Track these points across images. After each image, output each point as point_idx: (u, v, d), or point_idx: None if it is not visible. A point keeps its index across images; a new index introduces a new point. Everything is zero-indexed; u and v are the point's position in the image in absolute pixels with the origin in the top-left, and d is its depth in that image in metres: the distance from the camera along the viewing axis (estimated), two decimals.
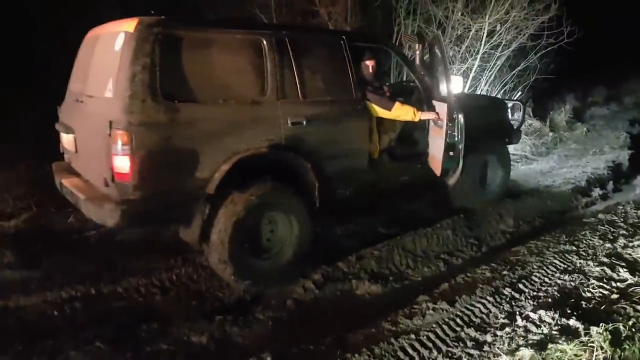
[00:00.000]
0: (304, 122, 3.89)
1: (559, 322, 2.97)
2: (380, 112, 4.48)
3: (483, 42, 8.67)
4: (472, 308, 3.27)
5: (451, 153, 4.70)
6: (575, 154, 8.53)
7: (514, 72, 9.52)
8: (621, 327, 2.87)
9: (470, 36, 8.54)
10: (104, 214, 3.37)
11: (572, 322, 2.95)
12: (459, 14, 8.67)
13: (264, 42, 3.76)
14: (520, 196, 5.75)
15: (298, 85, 3.89)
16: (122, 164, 3.22)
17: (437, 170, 4.82)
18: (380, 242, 4.45)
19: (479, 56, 8.55)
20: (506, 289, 3.51)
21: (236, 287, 3.74)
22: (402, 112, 4.55)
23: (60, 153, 4.50)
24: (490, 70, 8.90)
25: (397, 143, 4.92)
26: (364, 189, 4.45)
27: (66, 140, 4.15)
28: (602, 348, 2.70)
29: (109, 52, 3.51)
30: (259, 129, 3.68)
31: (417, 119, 4.64)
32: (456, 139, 4.67)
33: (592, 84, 15.31)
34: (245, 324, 3.32)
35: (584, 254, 4.10)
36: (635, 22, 17.59)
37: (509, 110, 5.93)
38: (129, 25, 3.36)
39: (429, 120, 4.77)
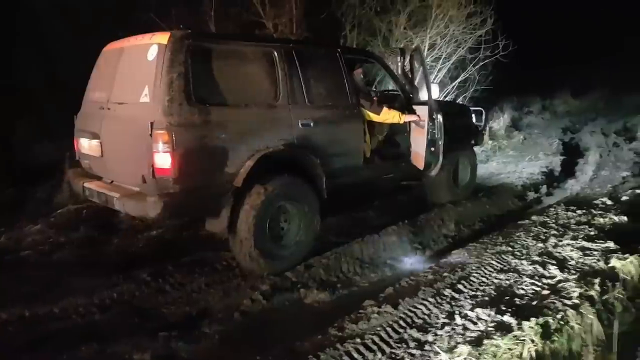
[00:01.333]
0: (312, 124, 4.38)
1: (494, 319, 3.10)
2: (370, 116, 5.05)
3: (425, 55, 8.98)
4: (415, 310, 3.36)
5: (432, 149, 5.34)
6: (512, 160, 8.95)
7: (455, 83, 9.91)
8: (551, 321, 3.03)
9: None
10: (146, 207, 3.67)
11: (507, 318, 3.09)
12: (402, 27, 8.97)
13: (275, 53, 4.26)
14: (461, 202, 5.97)
15: (304, 91, 4.41)
16: (164, 160, 3.59)
17: (420, 165, 5.41)
18: (328, 251, 4.53)
19: (426, 67, 8.85)
20: (447, 290, 3.62)
21: (254, 268, 4.08)
22: (389, 116, 5.13)
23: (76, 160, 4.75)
24: (433, 81, 9.22)
25: (385, 144, 5.54)
26: (360, 183, 5.05)
27: (88, 146, 4.44)
28: (533, 341, 2.83)
29: (140, 62, 3.89)
30: (276, 130, 4.19)
31: (402, 121, 5.27)
32: (436, 136, 5.30)
33: (527, 94, 16.11)
34: (191, 338, 3.26)
35: (518, 253, 4.29)
36: (564, 35, 18.72)
37: (473, 115, 6.66)
38: (162, 37, 3.79)
39: (411, 122, 5.36)
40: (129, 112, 3.97)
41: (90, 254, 4.58)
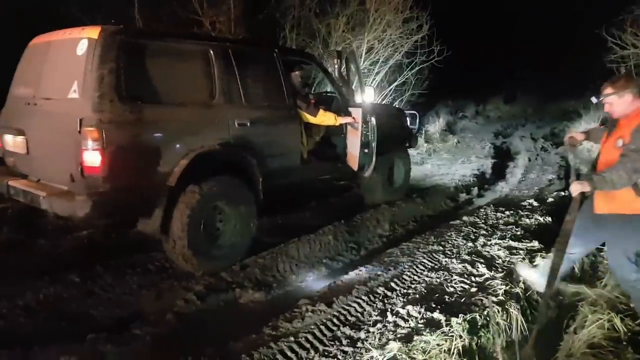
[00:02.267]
0: (248, 124, 4.37)
1: (424, 316, 3.23)
2: (307, 117, 5.11)
3: (363, 58, 9.15)
4: (348, 308, 3.43)
5: (366, 150, 5.44)
6: (446, 163, 9.30)
7: (392, 86, 10.15)
8: (477, 317, 3.20)
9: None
10: (74, 207, 3.56)
11: (436, 314, 3.22)
12: (340, 30, 9.09)
13: (211, 51, 4.20)
14: (396, 202, 6.14)
15: (241, 91, 4.37)
16: (93, 158, 3.48)
17: (355, 166, 5.50)
18: (265, 251, 4.52)
19: (360, 70, 8.99)
20: (380, 288, 3.73)
21: (188, 268, 4.04)
22: (325, 118, 5.22)
23: None
24: (371, 85, 9.41)
25: (321, 145, 5.62)
26: (296, 183, 5.13)
27: (12, 142, 4.27)
28: (460, 337, 2.98)
29: (69, 57, 3.77)
30: (211, 129, 4.14)
31: (337, 123, 5.34)
32: (370, 138, 5.40)
33: (462, 99, 16.78)
34: (121, 341, 3.16)
35: (449, 253, 4.47)
36: (498, 44, 19.63)
37: (408, 118, 6.85)
38: (92, 32, 3.66)
39: (346, 123, 5.43)
40: (57, 108, 3.84)
41: (15, 255, 4.34)
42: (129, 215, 4.10)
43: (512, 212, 5.66)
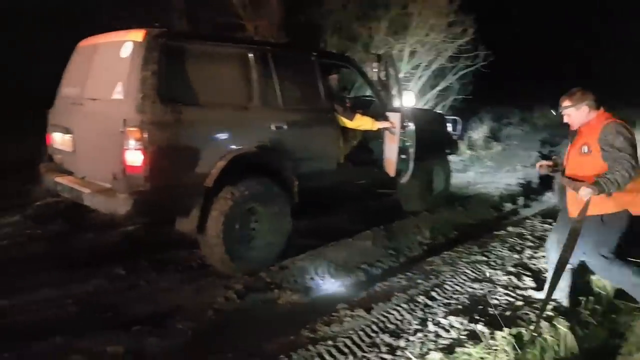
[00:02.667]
0: (285, 127, 4.37)
1: (467, 327, 3.14)
2: (344, 121, 5.01)
3: (405, 62, 9.07)
4: (388, 315, 3.39)
5: (403, 156, 5.36)
6: (490, 170, 9.08)
7: (435, 91, 10.01)
8: (524, 332, 3.08)
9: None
10: (115, 204, 3.65)
11: (480, 327, 3.13)
12: (382, 34, 9.04)
13: (251, 55, 4.25)
14: (437, 210, 6.04)
15: (279, 94, 4.41)
16: (135, 158, 3.57)
17: (392, 172, 5.42)
18: (303, 253, 4.52)
19: (400, 75, 8.94)
20: (420, 296, 3.67)
21: (226, 271, 4.07)
22: (362, 122, 5.12)
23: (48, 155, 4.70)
24: (412, 89, 9.32)
25: (358, 149, 5.55)
26: (332, 187, 5.07)
27: (61, 141, 4.44)
28: (505, 351, 2.88)
29: (114, 59, 3.88)
30: (249, 131, 4.19)
31: (374, 128, 5.24)
32: (408, 144, 5.32)
33: (507, 105, 16.37)
34: (164, 334, 3.23)
35: (493, 264, 4.36)
36: (546, 48, 19.12)
37: (449, 124, 6.71)
38: (137, 35, 3.76)
39: (384, 129, 5.29)
40: (102, 109, 3.95)
41: (65, 247, 4.53)
42: (167, 214, 4.18)
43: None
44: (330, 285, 4.13)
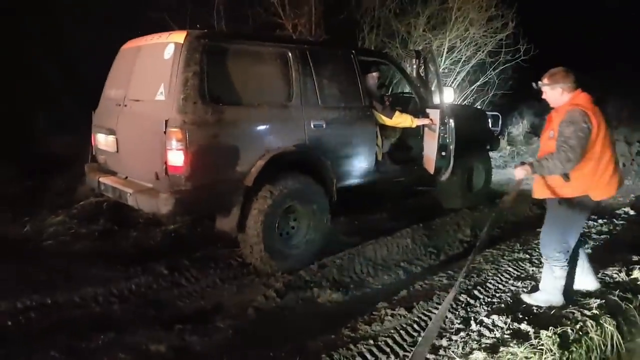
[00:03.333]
0: (324, 125, 4.38)
1: (510, 327, 3.08)
2: (383, 119, 5.02)
3: (444, 58, 8.93)
4: (429, 314, 3.35)
5: (443, 153, 5.31)
6: None
7: (474, 86, 9.82)
8: (569, 331, 3.00)
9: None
10: (158, 203, 3.69)
11: (524, 326, 3.06)
12: (421, 30, 8.92)
13: (290, 53, 4.27)
14: (478, 207, 5.92)
15: (318, 92, 4.42)
16: (177, 158, 3.63)
17: (431, 169, 5.39)
18: (342, 251, 4.52)
19: (439, 71, 8.80)
20: (462, 295, 3.61)
21: (266, 270, 4.11)
22: (401, 120, 5.11)
23: (92, 155, 4.85)
24: (451, 85, 9.16)
25: (397, 147, 5.54)
26: (371, 185, 5.03)
27: (104, 141, 4.52)
28: (550, 350, 2.81)
29: (156, 60, 3.95)
30: (288, 130, 4.21)
31: (414, 125, 5.21)
32: (447, 140, 5.26)
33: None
34: (205, 332, 3.28)
35: (536, 261, 4.24)
36: (588, 40, 18.46)
37: (489, 120, 6.61)
38: (179, 36, 3.83)
39: (423, 126, 5.29)
40: (145, 110, 4.03)
41: (109, 245, 4.65)
42: (208, 213, 4.27)
43: (605, 221, 5.29)
44: (369, 283, 4.11)
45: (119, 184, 4.23)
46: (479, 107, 9.70)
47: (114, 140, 4.36)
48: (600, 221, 5.24)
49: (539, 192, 3.36)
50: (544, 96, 3.35)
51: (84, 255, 4.43)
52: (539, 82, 3.31)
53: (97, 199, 5.46)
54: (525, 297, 3.51)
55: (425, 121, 5.26)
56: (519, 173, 3.24)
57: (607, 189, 3.25)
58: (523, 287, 3.74)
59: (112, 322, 3.36)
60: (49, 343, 3.04)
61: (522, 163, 3.30)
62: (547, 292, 3.44)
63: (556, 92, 3.23)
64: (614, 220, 5.28)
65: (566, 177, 3.11)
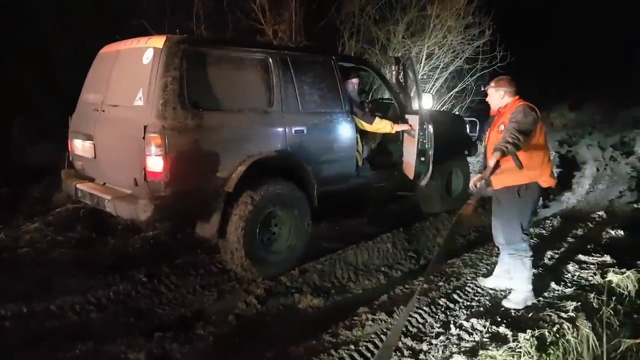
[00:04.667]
0: (305, 131, 4.39)
1: (489, 330, 3.13)
2: (363, 125, 5.09)
3: (422, 64, 9.02)
4: (410, 318, 3.36)
5: (422, 159, 5.34)
6: None
7: (452, 93, 9.94)
8: (546, 333, 3.05)
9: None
10: (137, 210, 3.65)
11: (502, 329, 3.12)
12: (400, 36, 9.01)
13: (270, 59, 4.27)
14: (456, 211, 5.98)
15: (298, 98, 4.43)
16: (156, 164, 3.59)
17: (411, 175, 5.42)
18: (323, 257, 4.53)
19: (418, 77, 8.89)
20: (442, 299, 3.65)
21: (247, 276, 4.08)
22: (381, 126, 5.19)
23: (69, 162, 4.78)
24: (430, 91, 9.26)
25: (376, 152, 5.58)
26: (352, 191, 5.05)
27: (82, 147, 4.45)
28: (529, 353, 2.85)
29: (135, 65, 3.91)
30: (269, 136, 4.21)
31: (393, 131, 5.28)
32: (426, 146, 5.29)
33: None
34: (186, 340, 3.25)
35: None
36: (564, 47, 18.88)
37: (467, 125, 6.68)
38: (158, 41, 3.80)
39: (403, 131, 5.36)
40: (123, 115, 3.98)
41: (86, 253, 4.58)
42: (188, 219, 4.21)
43: (580, 224, 5.40)
44: (350, 288, 4.12)
45: (96, 190, 4.18)
46: (457, 112, 9.82)
47: (91, 145, 4.30)
48: (575, 224, 5.35)
49: (497, 183, 3.60)
50: (487, 98, 3.76)
51: (61, 263, 4.36)
52: (487, 86, 3.75)
53: (74, 206, 5.38)
54: (505, 303, 3.59)
55: (405, 127, 5.32)
56: (492, 159, 3.31)
57: (551, 178, 3.63)
58: (501, 291, 3.80)
59: (91, 332, 3.31)
60: (26, 354, 2.99)
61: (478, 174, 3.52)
62: (522, 290, 3.60)
63: (498, 95, 3.64)
64: (589, 223, 5.40)
65: (519, 163, 3.31)
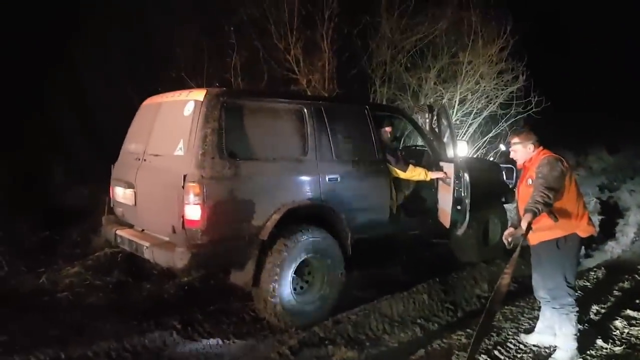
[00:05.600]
0: (338, 179, 4.42)
1: None
2: (397, 172, 5.07)
3: (455, 110, 9.02)
4: None
5: (458, 207, 5.27)
6: None
7: (486, 138, 9.85)
8: None
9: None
10: (174, 257, 3.70)
11: None
12: (432, 83, 9.07)
13: (305, 110, 4.36)
14: (494, 261, 5.83)
15: (332, 147, 4.48)
16: (194, 212, 3.66)
17: (447, 223, 5.33)
18: (357, 307, 4.43)
19: (452, 124, 8.87)
20: (482, 355, 3.51)
21: (280, 325, 4.06)
22: (415, 173, 5.16)
23: (110, 208, 4.92)
24: (463, 136, 9.22)
25: (411, 199, 5.47)
26: (386, 238, 5.02)
27: (122, 194, 4.59)
28: None
29: (177, 117, 4.05)
30: (303, 184, 4.25)
31: (428, 179, 5.24)
32: (462, 194, 5.23)
33: (561, 150, 15.87)
34: None
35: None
36: (599, 93, 18.68)
37: (504, 172, 6.59)
38: (199, 94, 3.95)
39: (438, 179, 5.30)
40: (164, 164, 4.10)
41: (123, 298, 4.64)
42: (223, 267, 4.26)
43: (627, 276, 5.16)
44: (385, 341, 4.00)
45: (135, 236, 4.26)
46: (491, 159, 9.71)
47: (132, 193, 4.42)
48: (621, 276, 5.12)
49: (534, 239, 3.49)
50: (512, 155, 3.68)
51: (98, 308, 4.43)
52: (509, 144, 3.67)
53: (112, 250, 5.48)
54: (526, 338, 3.59)
55: (440, 174, 5.28)
56: (524, 222, 3.19)
57: (589, 227, 3.51)
58: (545, 348, 3.63)
59: None
60: None
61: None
62: (567, 348, 3.45)
63: (528, 149, 3.57)
64: (636, 275, 5.15)
65: (554, 217, 3.24)
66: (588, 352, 3.53)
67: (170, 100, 4.34)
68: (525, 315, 4.25)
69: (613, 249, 6.84)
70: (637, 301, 4.39)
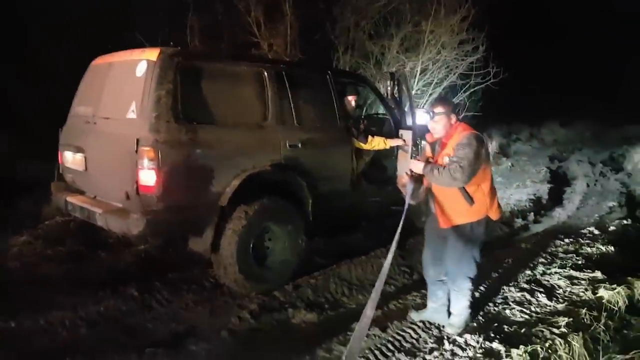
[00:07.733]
0: (300, 145, 4.35)
1: (483, 345, 3.12)
2: (358, 144, 5.05)
3: (417, 79, 9.09)
4: (403, 333, 3.37)
5: None
6: (500, 187, 8.98)
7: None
8: (539, 349, 3.05)
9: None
10: (128, 224, 3.62)
11: (495, 344, 3.11)
12: (394, 51, 9.09)
13: (265, 73, 4.24)
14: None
15: (294, 113, 4.39)
16: (148, 177, 3.55)
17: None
18: (317, 272, 4.51)
19: (412, 92, 8.94)
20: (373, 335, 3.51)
21: (240, 291, 4.03)
22: (375, 143, 5.18)
23: (59, 174, 4.73)
24: (423, 106, 9.31)
25: (371, 168, 5.52)
26: (346, 206, 5.02)
27: (72, 159, 4.43)
28: None
29: (128, 78, 3.86)
30: (263, 150, 4.16)
31: (387, 147, 5.26)
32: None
33: (516, 121, 16.35)
34: (177, 356, 3.21)
35: (506, 280, 4.32)
36: (557, 65, 19.17)
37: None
38: (152, 54, 3.76)
39: (397, 146, 5.32)
40: (115, 128, 3.94)
41: (77, 267, 4.51)
42: (180, 234, 4.17)
43: (571, 240, 5.43)
44: (344, 303, 4.10)
45: (87, 203, 4.13)
46: None
47: (82, 158, 4.27)
48: (566, 240, 5.38)
49: (446, 221, 3.38)
50: (432, 126, 3.38)
51: (50, 278, 4.29)
52: (433, 113, 3.33)
53: (64, 219, 5.32)
54: (448, 329, 3.46)
55: (399, 142, 5.33)
56: (414, 166, 3.34)
57: (499, 209, 3.50)
58: (494, 306, 3.79)
59: (81, 348, 3.25)
60: None
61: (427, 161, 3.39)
62: (460, 313, 3.48)
63: (450, 121, 3.31)
64: (580, 239, 5.42)
65: (470, 200, 3.22)
66: (534, 309, 3.71)
67: (121, 60, 4.15)
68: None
69: (560, 215, 7.18)
70: (580, 262, 4.62)
